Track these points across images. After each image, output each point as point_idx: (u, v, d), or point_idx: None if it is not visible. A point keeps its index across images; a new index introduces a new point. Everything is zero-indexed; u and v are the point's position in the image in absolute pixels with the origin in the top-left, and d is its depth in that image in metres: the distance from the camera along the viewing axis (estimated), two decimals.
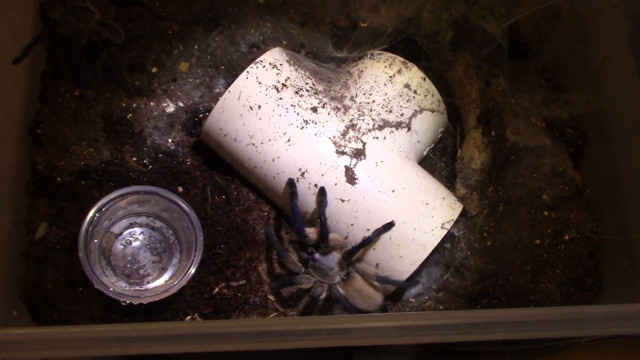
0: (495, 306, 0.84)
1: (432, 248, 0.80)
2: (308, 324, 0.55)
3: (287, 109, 0.81)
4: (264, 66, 0.83)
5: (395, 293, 0.85)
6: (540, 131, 0.95)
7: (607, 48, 0.94)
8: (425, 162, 0.93)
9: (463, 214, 0.87)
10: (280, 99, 0.81)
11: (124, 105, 0.90)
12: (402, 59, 0.88)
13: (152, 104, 0.90)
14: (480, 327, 0.57)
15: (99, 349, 0.52)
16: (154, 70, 0.91)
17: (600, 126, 0.96)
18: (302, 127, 0.81)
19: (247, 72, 0.82)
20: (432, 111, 0.88)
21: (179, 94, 0.91)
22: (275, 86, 0.82)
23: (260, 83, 0.81)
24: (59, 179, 0.87)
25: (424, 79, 0.87)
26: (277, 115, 0.81)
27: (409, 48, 0.95)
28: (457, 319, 0.58)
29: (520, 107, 0.96)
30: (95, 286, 0.78)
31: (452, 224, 0.81)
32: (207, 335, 0.53)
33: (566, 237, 0.90)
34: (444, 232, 0.81)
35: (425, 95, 0.87)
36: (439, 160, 0.94)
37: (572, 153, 0.96)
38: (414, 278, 0.83)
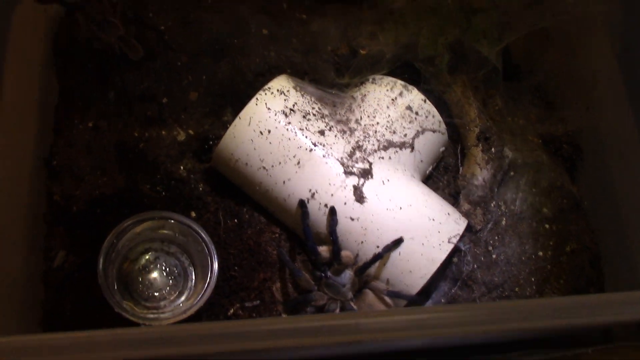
0: None
1: (441, 262, 0.83)
2: (319, 321, 0.57)
3: (295, 132, 0.85)
4: (272, 92, 0.86)
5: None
6: (537, 147, 0.99)
7: (596, 65, 0.99)
8: (429, 181, 0.96)
9: (468, 228, 0.89)
10: (289, 123, 0.85)
11: (136, 134, 0.93)
12: (402, 83, 0.92)
13: (163, 132, 0.93)
14: (487, 318, 0.59)
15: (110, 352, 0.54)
16: (164, 100, 0.95)
17: (594, 140, 1.00)
18: (311, 150, 0.84)
19: (257, 98, 0.85)
20: (434, 131, 0.91)
21: (189, 122, 0.94)
22: (284, 111, 0.85)
23: (269, 109, 0.85)
24: (75, 208, 0.89)
25: (425, 101, 0.91)
26: (286, 139, 0.84)
27: (407, 72, 0.99)
28: (465, 311, 0.60)
29: (516, 125, 1.00)
30: (115, 310, 0.80)
31: (458, 238, 0.84)
32: (216, 335, 0.54)
33: (567, 249, 0.93)
34: (451, 246, 0.83)
35: (427, 116, 0.91)
36: (442, 179, 0.97)
37: (569, 167, 1.00)
38: (424, 292, 0.86)
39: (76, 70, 0.95)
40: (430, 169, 0.94)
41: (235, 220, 0.90)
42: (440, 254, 0.83)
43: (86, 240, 0.88)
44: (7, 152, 0.86)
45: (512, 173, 0.95)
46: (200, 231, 0.86)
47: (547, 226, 0.93)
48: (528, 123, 1.01)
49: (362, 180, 0.84)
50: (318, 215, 0.84)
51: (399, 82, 0.92)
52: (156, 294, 0.86)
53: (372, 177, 0.85)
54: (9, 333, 0.79)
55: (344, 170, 0.84)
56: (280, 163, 0.84)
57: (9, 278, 0.83)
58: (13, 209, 0.87)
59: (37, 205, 0.90)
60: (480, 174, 0.92)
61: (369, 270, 0.83)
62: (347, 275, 0.84)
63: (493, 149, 0.93)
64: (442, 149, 0.95)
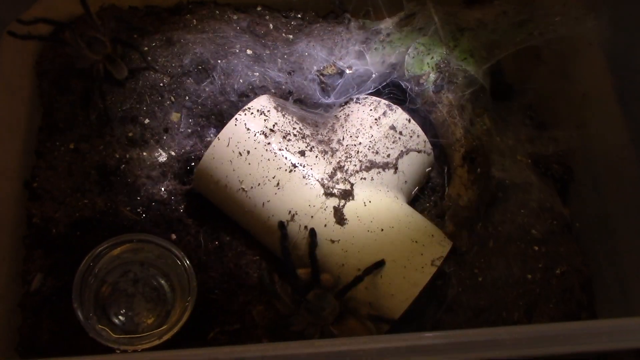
0: None
1: (423, 285, 0.80)
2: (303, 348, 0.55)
3: (275, 153, 0.83)
4: (252, 113, 0.85)
5: (388, 332, 0.85)
6: (526, 168, 0.96)
7: (587, 84, 0.97)
8: (415, 202, 0.94)
9: (453, 251, 0.87)
10: (269, 143, 0.84)
11: (117, 156, 0.92)
12: (386, 102, 0.91)
13: (144, 154, 0.92)
14: (477, 345, 0.56)
15: None
16: (146, 121, 0.94)
17: (585, 161, 0.97)
18: (291, 171, 0.83)
19: (236, 119, 0.84)
20: (418, 151, 0.90)
21: (171, 143, 0.93)
22: (264, 132, 0.84)
23: (248, 129, 0.84)
24: (54, 230, 0.88)
25: (409, 121, 0.90)
26: (265, 159, 0.83)
27: (393, 92, 0.98)
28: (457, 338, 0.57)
29: (505, 145, 0.98)
30: (90, 335, 0.78)
31: (442, 260, 0.82)
32: None
33: (557, 271, 0.91)
34: (434, 269, 0.81)
35: (411, 136, 0.89)
36: (428, 200, 0.95)
37: (559, 188, 0.98)
38: (406, 316, 0.84)
39: (59, 92, 0.95)
40: (415, 189, 0.92)
41: (216, 243, 0.89)
42: (423, 277, 0.81)
43: (65, 263, 0.87)
44: None
45: (499, 194, 0.93)
46: (179, 254, 0.84)
47: (536, 248, 0.91)
48: (518, 143, 0.99)
49: (342, 201, 0.83)
50: (298, 238, 0.82)
51: (383, 101, 0.91)
52: (134, 317, 0.85)
53: (353, 198, 0.83)
54: None
55: (325, 191, 0.83)
56: (259, 184, 0.83)
57: None
58: None
59: (16, 228, 0.89)
60: (465, 195, 0.91)
61: (349, 293, 0.81)
62: (328, 298, 0.82)
63: (479, 170, 0.91)
64: (428, 169, 0.93)
